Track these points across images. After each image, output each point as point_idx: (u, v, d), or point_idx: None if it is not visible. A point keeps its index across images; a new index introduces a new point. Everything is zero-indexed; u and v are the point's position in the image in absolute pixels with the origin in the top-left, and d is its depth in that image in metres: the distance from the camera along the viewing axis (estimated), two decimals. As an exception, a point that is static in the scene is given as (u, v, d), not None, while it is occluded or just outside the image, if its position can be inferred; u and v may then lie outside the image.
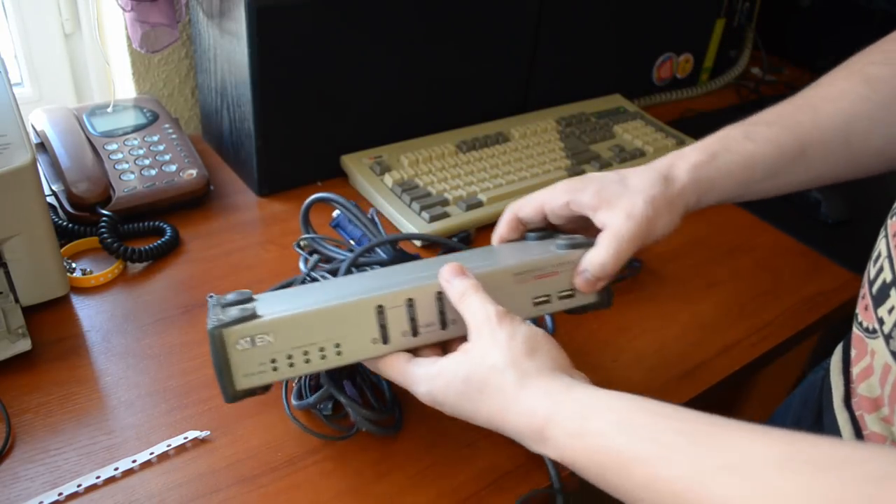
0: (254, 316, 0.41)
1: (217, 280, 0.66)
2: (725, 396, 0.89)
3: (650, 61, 1.08)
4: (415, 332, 0.44)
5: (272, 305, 0.43)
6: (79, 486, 0.46)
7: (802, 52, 1.28)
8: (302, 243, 0.65)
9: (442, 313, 0.44)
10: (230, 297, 0.44)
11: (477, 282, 0.44)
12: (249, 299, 0.44)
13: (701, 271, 0.73)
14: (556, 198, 0.50)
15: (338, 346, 0.42)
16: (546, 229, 0.53)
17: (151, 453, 0.49)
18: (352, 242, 0.63)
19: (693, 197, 0.48)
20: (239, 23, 0.69)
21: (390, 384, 0.54)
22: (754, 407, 0.98)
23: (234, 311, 0.41)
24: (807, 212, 0.85)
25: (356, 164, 0.81)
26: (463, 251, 0.53)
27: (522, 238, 0.53)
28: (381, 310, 0.43)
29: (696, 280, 0.72)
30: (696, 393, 0.58)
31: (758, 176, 0.49)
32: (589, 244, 0.48)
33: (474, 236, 0.75)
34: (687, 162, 0.49)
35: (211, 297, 0.45)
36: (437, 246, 0.70)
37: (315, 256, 0.61)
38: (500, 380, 0.39)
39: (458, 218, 0.74)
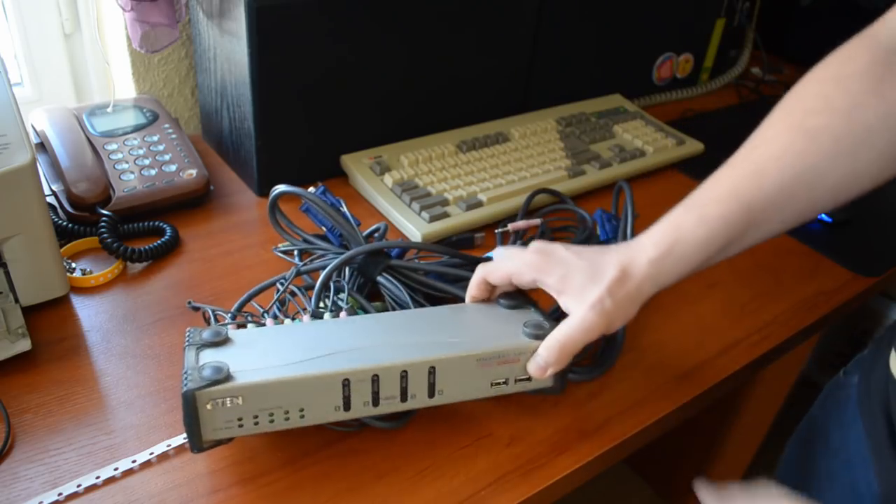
0: (227, 378, 0.43)
1: (217, 280, 0.66)
2: (725, 396, 0.89)
3: (650, 61, 1.08)
4: (375, 403, 0.46)
5: (245, 359, 0.45)
6: (79, 486, 0.46)
7: (802, 52, 1.28)
8: (281, 248, 0.67)
9: (404, 389, 0.47)
10: (206, 335, 0.47)
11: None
12: (226, 340, 0.47)
13: (701, 271, 0.73)
14: (523, 274, 0.51)
15: (302, 411, 0.45)
16: (517, 295, 0.55)
17: (151, 453, 0.49)
18: (324, 229, 0.65)
19: (653, 289, 0.50)
20: (239, 23, 0.69)
21: None
22: (754, 407, 0.98)
23: (208, 372, 0.43)
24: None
25: (356, 164, 0.81)
26: (434, 308, 0.55)
27: (494, 300, 0.55)
28: (346, 382, 0.45)
29: (696, 280, 0.72)
30: (696, 393, 0.58)
31: (712, 255, 0.50)
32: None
33: (482, 241, 0.75)
34: (645, 256, 0.50)
35: (189, 331, 0.48)
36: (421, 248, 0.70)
37: (284, 283, 0.62)
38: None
39: (458, 218, 0.74)
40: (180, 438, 0.50)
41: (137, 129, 0.78)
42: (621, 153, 0.89)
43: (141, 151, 0.75)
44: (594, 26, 0.97)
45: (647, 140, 0.93)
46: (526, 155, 0.86)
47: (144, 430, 0.51)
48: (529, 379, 0.50)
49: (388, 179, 0.78)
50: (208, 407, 0.43)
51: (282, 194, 0.62)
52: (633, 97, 1.07)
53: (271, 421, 0.45)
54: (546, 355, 0.49)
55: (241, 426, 0.44)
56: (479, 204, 0.76)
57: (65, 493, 0.45)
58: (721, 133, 1.02)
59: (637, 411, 0.56)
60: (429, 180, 0.78)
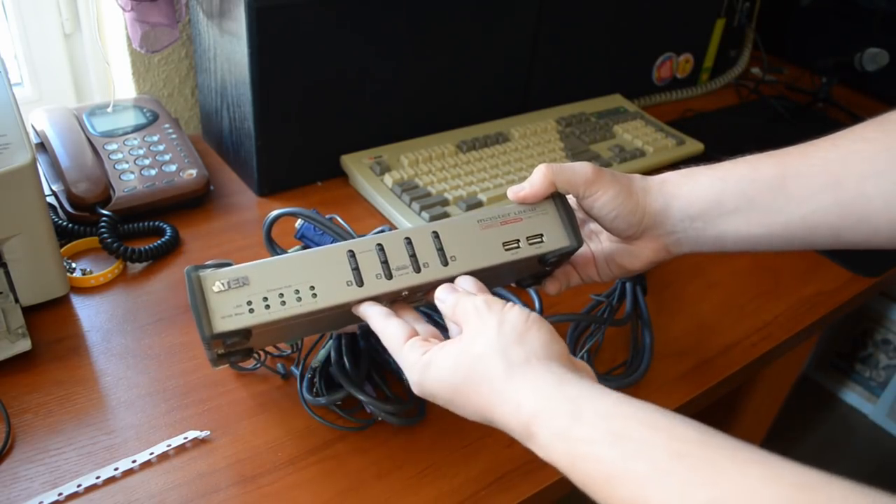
0: (229, 264, 0.44)
1: (217, 280, 0.66)
2: (725, 396, 0.88)
3: (650, 61, 1.08)
4: (389, 276, 0.46)
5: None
6: (79, 486, 0.46)
7: (802, 52, 1.28)
8: None
9: (413, 257, 0.46)
10: (208, 263, 0.45)
11: (468, 291, 0.44)
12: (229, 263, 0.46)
13: (701, 271, 0.73)
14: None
15: (313, 288, 0.44)
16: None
17: (151, 453, 0.49)
18: None
19: (658, 197, 0.48)
20: (239, 23, 0.69)
21: None
22: (754, 407, 0.98)
23: (211, 262, 0.44)
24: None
25: (356, 164, 0.81)
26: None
27: None
28: (352, 253, 0.45)
29: (696, 280, 0.72)
30: (696, 393, 0.58)
31: (728, 198, 0.47)
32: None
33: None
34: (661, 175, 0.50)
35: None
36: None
37: None
38: (486, 369, 0.38)
39: (458, 218, 0.74)
40: (180, 438, 0.50)
41: (137, 129, 0.78)
42: (621, 153, 0.89)
43: (141, 151, 0.75)
44: (594, 26, 0.97)
45: (647, 140, 0.93)
46: (526, 155, 0.86)
47: (144, 430, 0.51)
48: (542, 240, 0.49)
49: (388, 179, 0.78)
50: (214, 289, 0.42)
51: (279, 216, 0.59)
52: (633, 97, 1.07)
53: (283, 303, 0.43)
54: (528, 178, 0.48)
55: (251, 311, 0.43)
56: (479, 204, 0.76)
57: (65, 493, 0.45)
58: (721, 133, 1.02)
59: (637, 411, 0.56)
60: (429, 180, 0.78)
